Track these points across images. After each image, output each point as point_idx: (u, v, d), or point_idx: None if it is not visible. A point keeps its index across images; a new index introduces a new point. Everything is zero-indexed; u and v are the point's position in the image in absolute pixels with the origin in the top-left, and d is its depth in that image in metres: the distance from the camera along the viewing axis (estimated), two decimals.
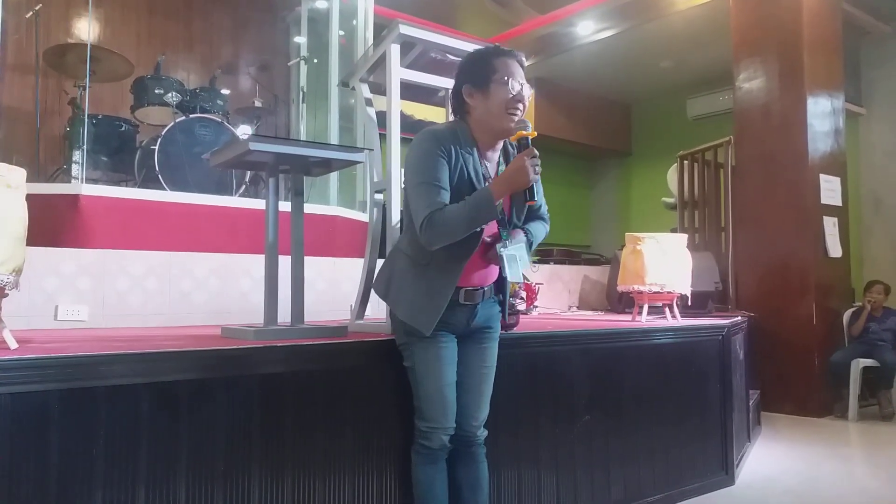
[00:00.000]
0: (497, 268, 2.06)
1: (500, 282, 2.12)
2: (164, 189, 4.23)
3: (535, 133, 1.92)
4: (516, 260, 1.95)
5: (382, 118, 2.70)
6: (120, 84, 5.27)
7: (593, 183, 9.81)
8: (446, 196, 1.86)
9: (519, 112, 1.91)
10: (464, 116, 1.99)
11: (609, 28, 6.84)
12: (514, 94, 1.90)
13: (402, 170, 2.02)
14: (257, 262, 2.89)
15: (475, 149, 1.96)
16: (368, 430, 2.13)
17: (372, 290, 2.29)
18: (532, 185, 1.86)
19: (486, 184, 1.91)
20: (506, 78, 1.89)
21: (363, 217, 4.71)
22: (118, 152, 4.84)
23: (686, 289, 3.51)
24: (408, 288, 2.00)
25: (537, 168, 1.85)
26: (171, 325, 3.27)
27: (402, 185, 2.06)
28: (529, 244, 2.03)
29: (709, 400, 3.29)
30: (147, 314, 3.27)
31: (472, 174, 1.92)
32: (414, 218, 1.88)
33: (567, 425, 2.67)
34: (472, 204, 1.83)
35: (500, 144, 2.03)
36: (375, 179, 2.81)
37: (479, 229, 1.90)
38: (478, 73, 1.93)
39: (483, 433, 2.11)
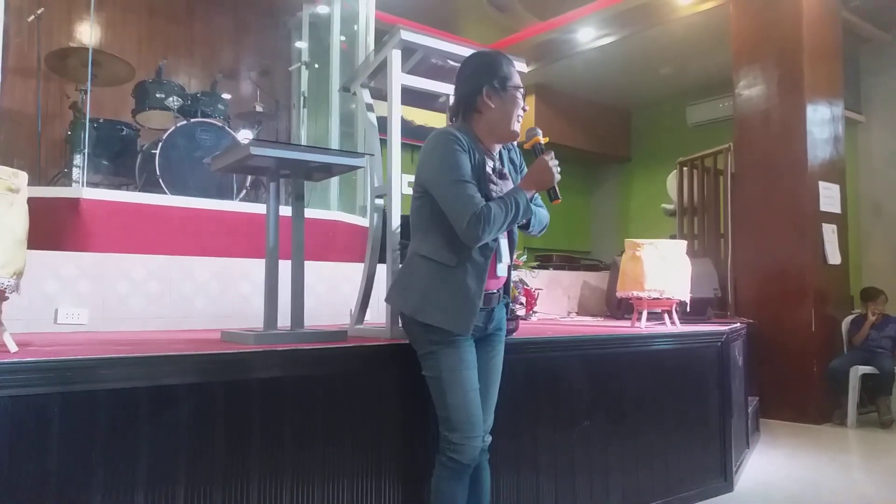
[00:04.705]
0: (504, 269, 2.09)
1: (506, 283, 2.14)
2: (165, 193, 4.23)
3: (548, 138, 2.07)
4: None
5: (383, 123, 2.71)
6: (121, 88, 5.28)
7: (593, 189, 9.81)
8: (476, 190, 1.91)
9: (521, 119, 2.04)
10: (470, 118, 2.03)
11: (609, 35, 6.85)
12: (523, 104, 2.04)
13: (417, 170, 2.01)
14: (257, 266, 2.89)
15: (481, 145, 2.04)
16: (368, 434, 2.13)
17: (383, 299, 2.30)
18: (555, 185, 1.99)
19: (497, 177, 2.02)
20: (520, 87, 2.02)
21: (363, 222, 4.72)
22: (119, 156, 4.85)
23: (685, 295, 3.51)
24: (438, 292, 1.96)
25: (558, 168, 1.99)
26: (171, 329, 3.27)
27: (415, 186, 2.02)
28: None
29: (708, 406, 3.29)
30: (147, 318, 3.27)
31: (484, 169, 1.99)
32: (455, 216, 1.88)
33: (566, 431, 2.67)
34: (511, 203, 1.91)
35: (499, 146, 2.10)
36: (376, 184, 2.82)
37: None
38: (498, 77, 2.00)
39: (488, 440, 2.09)
